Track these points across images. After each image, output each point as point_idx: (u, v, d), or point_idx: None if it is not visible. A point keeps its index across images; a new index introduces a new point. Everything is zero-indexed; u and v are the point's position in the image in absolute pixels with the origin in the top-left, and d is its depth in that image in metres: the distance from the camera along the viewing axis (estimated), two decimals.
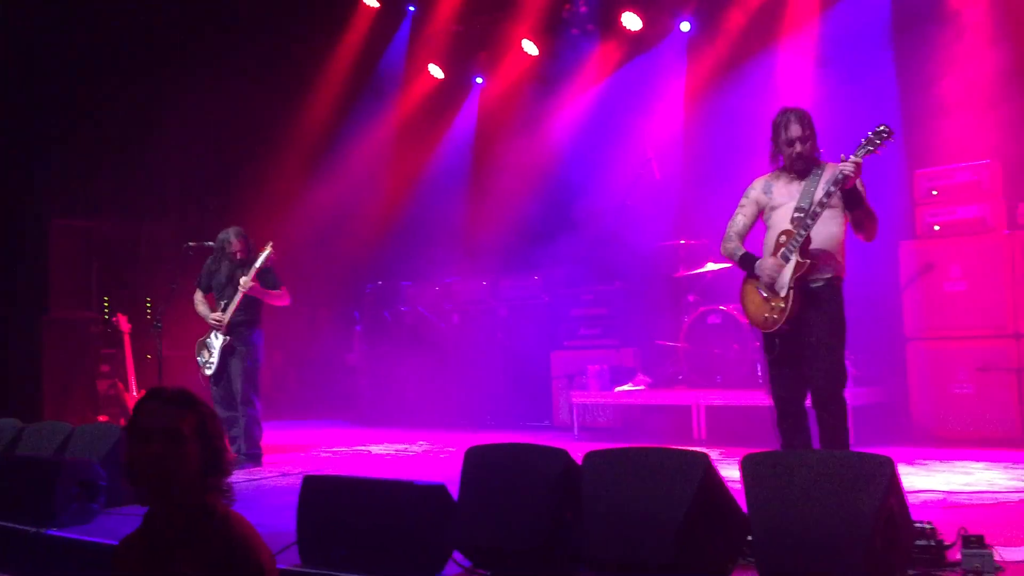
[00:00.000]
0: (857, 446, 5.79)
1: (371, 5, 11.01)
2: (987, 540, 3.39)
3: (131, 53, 10.50)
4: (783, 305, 4.60)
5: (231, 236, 7.22)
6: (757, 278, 4.75)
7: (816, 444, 4.72)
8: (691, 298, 8.40)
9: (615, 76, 10.04)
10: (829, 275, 4.65)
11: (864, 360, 7.45)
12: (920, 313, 7.27)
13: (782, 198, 4.75)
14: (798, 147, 4.66)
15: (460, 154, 11.40)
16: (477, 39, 10.94)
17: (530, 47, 10.49)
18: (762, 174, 4.95)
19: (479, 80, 11.30)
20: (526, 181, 10.39)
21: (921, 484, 5.33)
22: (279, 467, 7.08)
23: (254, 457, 7.09)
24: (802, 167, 4.70)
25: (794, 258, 4.58)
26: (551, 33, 10.35)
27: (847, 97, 7.73)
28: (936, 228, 7.27)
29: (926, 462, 6.19)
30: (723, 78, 9.01)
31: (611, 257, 9.57)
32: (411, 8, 11.08)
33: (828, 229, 4.62)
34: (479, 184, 10.79)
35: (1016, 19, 7.35)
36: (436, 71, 11.20)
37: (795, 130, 4.66)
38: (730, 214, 5.00)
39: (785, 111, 4.75)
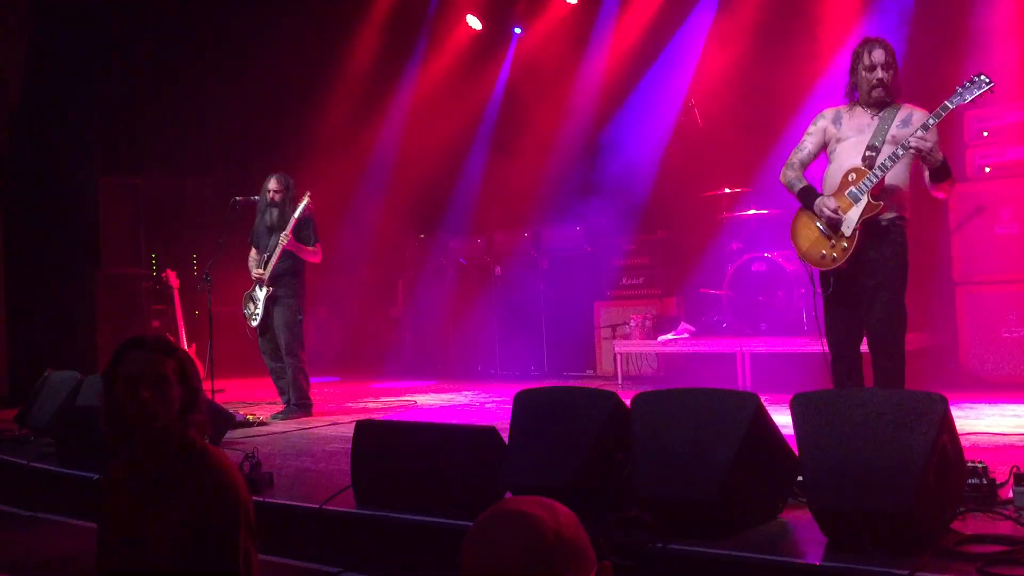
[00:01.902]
0: None
1: None
2: None
3: (172, 10, 10.56)
4: (846, 245, 4.49)
5: (271, 178, 7.33)
6: (815, 213, 4.62)
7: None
8: (735, 246, 8.35)
9: (655, 22, 9.89)
10: (894, 215, 4.54)
11: (912, 305, 7.36)
12: (970, 257, 7.16)
13: (850, 131, 4.60)
14: (879, 72, 4.48)
15: (500, 105, 11.35)
16: None
17: None
18: (809, 115, 4.87)
19: (518, 30, 11.21)
20: (567, 131, 10.33)
21: (971, 427, 5.30)
22: (328, 417, 7.21)
23: (304, 407, 7.21)
24: (881, 96, 4.53)
25: (866, 198, 4.45)
26: None
27: (893, 36, 7.55)
28: (987, 170, 7.14)
29: (976, 406, 6.15)
30: (765, 19, 8.84)
31: (654, 206, 9.53)
32: None
33: (895, 170, 4.48)
34: (520, 135, 10.74)
35: None
36: (474, 22, 11.12)
37: (879, 55, 4.49)
38: (774, 159, 4.94)
39: (867, 39, 4.59)
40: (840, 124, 4.66)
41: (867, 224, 4.47)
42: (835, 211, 4.51)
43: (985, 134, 7.16)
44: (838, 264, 4.52)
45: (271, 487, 4.51)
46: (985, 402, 6.30)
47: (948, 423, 3.09)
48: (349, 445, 4.23)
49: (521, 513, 1.36)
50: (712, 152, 8.77)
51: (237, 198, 7.62)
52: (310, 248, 7.30)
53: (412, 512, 3.85)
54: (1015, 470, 3.43)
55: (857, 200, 4.47)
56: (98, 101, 10.25)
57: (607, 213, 9.71)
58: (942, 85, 4.55)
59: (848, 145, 4.60)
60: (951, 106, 4.35)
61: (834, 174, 4.63)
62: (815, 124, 4.78)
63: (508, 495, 3.81)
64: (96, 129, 10.30)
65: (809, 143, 4.77)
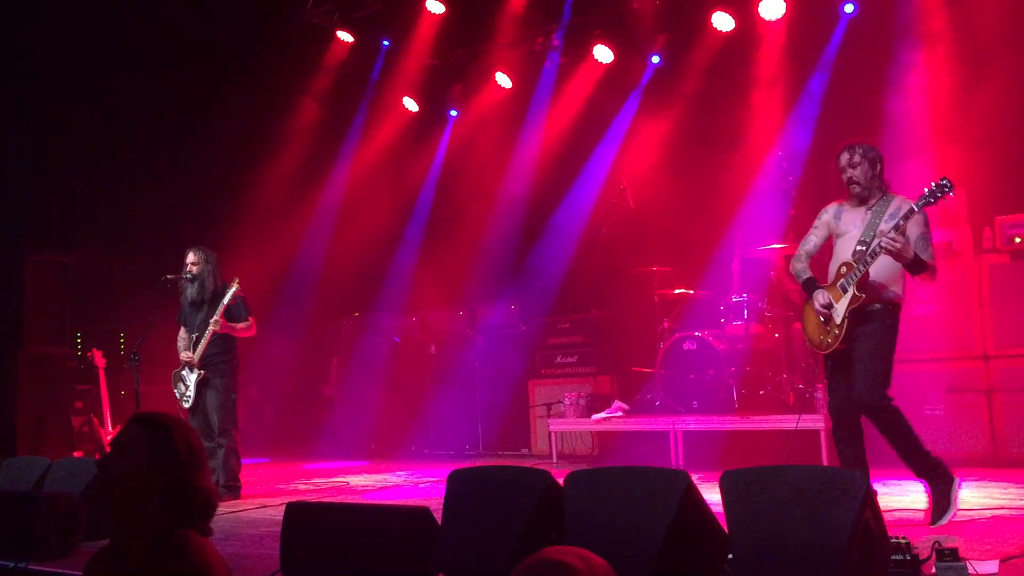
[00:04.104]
0: None
1: (345, 40, 11.11)
2: (960, 554, 3.47)
3: (100, 89, 10.54)
4: (837, 332, 4.90)
5: (189, 252, 7.33)
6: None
7: (868, 459, 4.98)
8: (666, 324, 8.49)
9: (588, 108, 10.19)
10: (887, 300, 4.92)
11: None
12: None
13: (848, 227, 5.03)
14: (848, 173, 4.96)
15: (436, 186, 11.49)
16: (451, 72, 11.06)
17: (504, 80, 10.63)
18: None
19: (454, 113, 11.43)
20: (502, 211, 10.50)
21: (895, 503, 5.42)
22: (258, 499, 7.05)
23: (233, 489, 7.06)
24: (858, 192, 4.97)
25: (851, 290, 4.86)
26: (525, 66, 10.50)
27: (807, 127, 7.91)
28: None
29: (900, 482, 6.27)
30: (694, 108, 9.20)
31: (587, 286, 9.67)
32: (385, 42, 11.18)
33: (887, 260, 4.82)
34: (455, 215, 10.87)
35: (971, 42, 7.57)
36: (411, 104, 11.31)
37: (843, 158, 4.98)
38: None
39: (843, 144, 5.03)
40: (840, 219, 5.11)
41: (854, 312, 4.86)
42: (825, 306, 4.96)
43: None
44: (833, 348, 4.94)
45: None
46: (910, 479, 6.40)
47: (870, 499, 3.17)
48: (279, 528, 4.14)
49: (559, 564, 1.43)
50: (644, 234, 8.98)
51: (168, 276, 7.52)
52: (242, 324, 7.26)
53: None
54: (937, 546, 3.51)
55: (845, 291, 4.90)
56: (27, 178, 10.12)
57: (541, 292, 9.82)
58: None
59: (846, 240, 5.04)
60: (917, 209, 4.72)
61: (832, 267, 5.09)
62: (820, 219, 5.23)
63: None
64: (25, 206, 10.14)
65: (814, 236, 5.24)
